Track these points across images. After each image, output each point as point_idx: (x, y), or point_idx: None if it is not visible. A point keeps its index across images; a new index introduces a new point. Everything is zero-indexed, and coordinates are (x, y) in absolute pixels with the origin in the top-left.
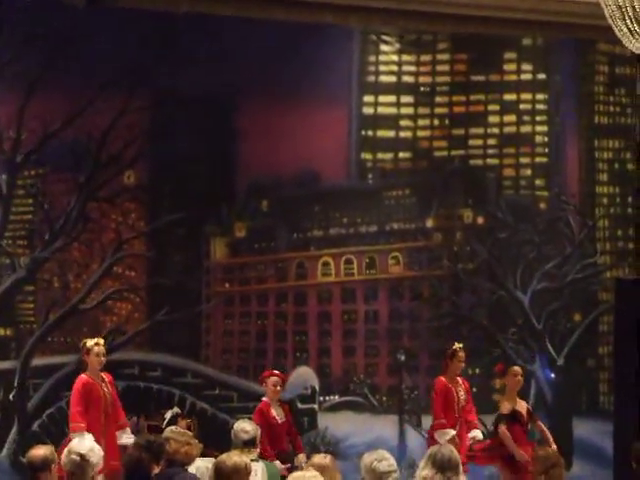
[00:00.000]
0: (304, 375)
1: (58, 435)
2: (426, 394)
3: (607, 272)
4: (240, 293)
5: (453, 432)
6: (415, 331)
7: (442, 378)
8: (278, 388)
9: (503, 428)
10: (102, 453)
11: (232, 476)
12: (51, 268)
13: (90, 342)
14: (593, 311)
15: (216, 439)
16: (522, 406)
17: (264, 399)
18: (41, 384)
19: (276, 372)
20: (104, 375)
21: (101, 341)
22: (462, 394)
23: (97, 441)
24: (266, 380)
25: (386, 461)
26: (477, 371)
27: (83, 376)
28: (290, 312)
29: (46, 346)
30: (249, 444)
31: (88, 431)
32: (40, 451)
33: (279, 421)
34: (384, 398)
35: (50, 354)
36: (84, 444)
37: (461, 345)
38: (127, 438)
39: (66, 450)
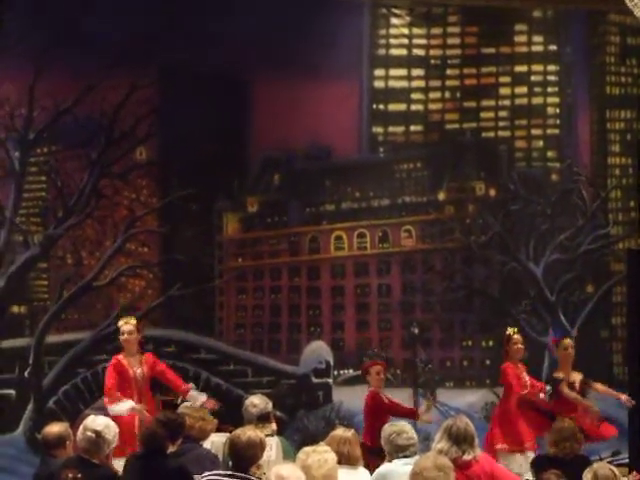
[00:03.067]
0: (318, 349)
1: (73, 412)
2: (440, 367)
3: (620, 243)
4: (253, 268)
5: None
6: (428, 304)
7: (508, 362)
8: (382, 376)
9: (563, 387)
10: (117, 430)
11: (247, 451)
12: (64, 245)
13: (120, 322)
14: (606, 282)
15: (231, 414)
16: (575, 377)
17: (371, 389)
18: (56, 361)
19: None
20: (145, 355)
21: (132, 320)
22: (526, 378)
23: (130, 420)
24: (369, 369)
25: (405, 434)
26: (490, 343)
27: (117, 356)
28: (303, 286)
29: (60, 323)
30: (263, 419)
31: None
32: (55, 428)
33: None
34: (398, 371)
35: (64, 331)
36: (99, 421)
37: (515, 329)
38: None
39: (81, 427)
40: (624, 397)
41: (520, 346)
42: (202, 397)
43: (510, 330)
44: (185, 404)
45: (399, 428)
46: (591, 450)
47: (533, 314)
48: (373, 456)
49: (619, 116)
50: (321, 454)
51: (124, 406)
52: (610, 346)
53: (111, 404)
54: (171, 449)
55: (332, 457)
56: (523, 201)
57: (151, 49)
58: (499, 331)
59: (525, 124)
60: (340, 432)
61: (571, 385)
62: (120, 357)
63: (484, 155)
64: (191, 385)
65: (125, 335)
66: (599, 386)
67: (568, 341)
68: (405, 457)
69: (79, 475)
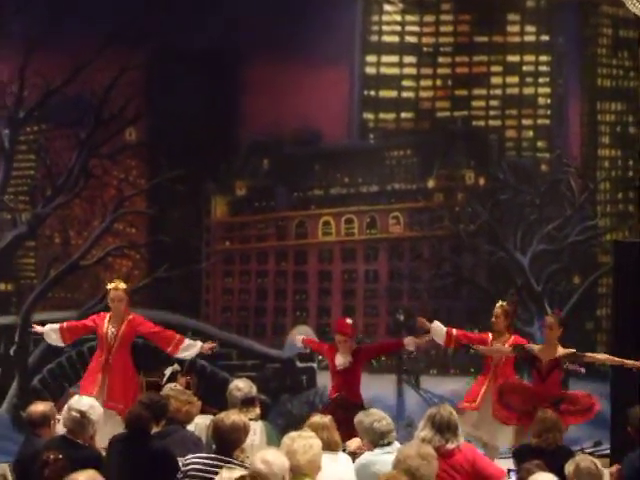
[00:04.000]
0: (303, 334)
1: (58, 390)
2: (424, 354)
3: (607, 235)
4: (240, 251)
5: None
6: (415, 291)
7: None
8: (348, 342)
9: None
10: (101, 410)
11: (231, 435)
12: (52, 224)
13: (110, 285)
14: (592, 273)
15: (215, 396)
16: (561, 352)
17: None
18: (41, 340)
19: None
20: (131, 316)
21: (121, 285)
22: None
23: (93, 374)
24: (335, 335)
25: (384, 420)
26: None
27: (103, 313)
28: (290, 271)
29: (47, 302)
30: (247, 403)
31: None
32: (39, 407)
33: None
34: (383, 357)
35: (50, 309)
36: (84, 401)
37: (503, 303)
38: (184, 351)
39: (66, 407)
40: (630, 362)
41: (494, 319)
42: (197, 344)
43: (498, 303)
44: (170, 386)
45: (377, 415)
46: (573, 439)
47: (519, 304)
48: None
49: (610, 108)
50: (306, 439)
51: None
52: (595, 337)
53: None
54: (155, 429)
55: (317, 443)
56: (512, 191)
57: (142, 30)
58: (485, 320)
59: (516, 114)
60: (317, 418)
61: (554, 360)
62: (104, 315)
63: (474, 144)
64: (182, 341)
65: (115, 302)
66: (599, 356)
67: (550, 319)
68: (388, 444)
69: (60, 456)
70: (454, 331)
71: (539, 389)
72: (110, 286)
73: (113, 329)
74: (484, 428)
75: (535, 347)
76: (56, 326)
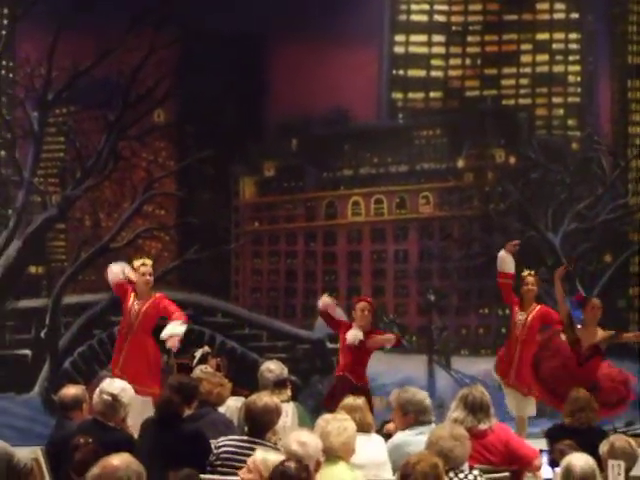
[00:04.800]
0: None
1: (89, 373)
2: (455, 334)
3: (638, 213)
4: (269, 232)
5: None
6: (445, 271)
7: (515, 299)
8: (366, 313)
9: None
10: (133, 393)
11: (263, 417)
12: (82, 206)
13: (137, 262)
14: (624, 252)
15: (246, 378)
16: (601, 335)
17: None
18: (72, 322)
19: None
20: (156, 295)
21: (148, 261)
22: (521, 319)
23: (120, 343)
24: (355, 305)
25: (427, 400)
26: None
27: (130, 287)
28: (319, 251)
29: (77, 284)
30: (279, 385)
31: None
32: (71, 390)
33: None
34: (414, 338)
35: (81, 292)
36: (116, 384)
37: (530, 271)
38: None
39: (97, 390)
40: None
41: (530, 287)
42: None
43: (525, 272)
44: (201, 368)
45: (420, 393)
46: (604, 420)
47: (551, 283)
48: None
49: None
50: (341, 422)
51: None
52: (627, 316)
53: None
54: (188, 411)
55: (352, 426)
56: (543, 169)
57: (170, 11)
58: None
59: (546, 92)
60: (350, 400)
61: (594, 346)
62: (131, 288)
63: (504, 123)
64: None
65: (146, 276)
66: (629, 335)
67: (597, 301)
68: (422, 425)
69: (90, 440)
70: None
71: (575, 372)
72: (138, 262)
73: (137, 306)
74: (510, 402)
75: (577, 327)
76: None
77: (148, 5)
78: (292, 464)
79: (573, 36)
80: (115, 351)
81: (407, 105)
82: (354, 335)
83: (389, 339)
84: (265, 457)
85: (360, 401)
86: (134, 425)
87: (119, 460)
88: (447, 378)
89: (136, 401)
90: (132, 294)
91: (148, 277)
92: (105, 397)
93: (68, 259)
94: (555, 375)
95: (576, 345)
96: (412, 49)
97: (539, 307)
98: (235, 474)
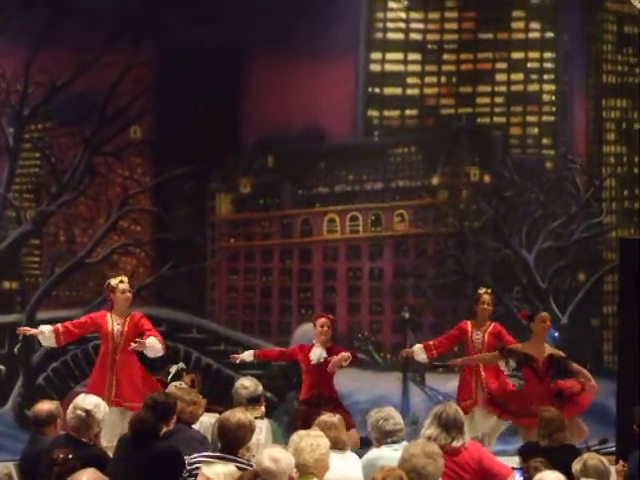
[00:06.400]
0: (309, 332)
1: (63, 389)
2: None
3: (613, 232)
4: (245, 249)
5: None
6: (420, 289)
7: (466, 320)
8: (326, 329)
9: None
10: (107, 409)
11: (237, 433)
12: (57, 222)
13: (114, 280)
14: (598, 270)
15: (221, 394)
16: (542, 351)
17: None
18: None
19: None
20: (133, 314)
21: (125, 278)
22: (478, 337)
23: (101, 374)
24: (315, 322)
25: (392, 419)
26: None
27: (104, 311)
28: (295, 268)
29: (51, 300)
30: (253, 401)
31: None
32: (46, 406)
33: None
34: (388, 355)
35: (55, 308)
36: (89, 400)
37: (487, 290)
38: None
39: (71, 406)
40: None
41: (487, 307)
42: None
43: (482, 289)
44: (175, 384)
45: (386, 414)
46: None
47: (524, 301)
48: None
49: (615, 105)
50: (314, 438)
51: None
52: (601, 334)
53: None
54: (165, 429)
55: (325, 442)
56: (517, 188)
57: (147, 27)
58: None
59: (521, 111)
60: (326, 417)
61: (532, 359)
62: (104, 312)
63: (479, 141)
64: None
65: (126, 293)
66: (575, 366)
67: (546, 314)
68: (393, 442)
69: (70, 456)
70: (431, 343)
71: (536, 389)
72: (115, 280)
73: (118, 326)
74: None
75: (519, 346)
76: (50, 327)
77: (123, 21)
78: None
79: (548, 55)
80: (97, 377)
81: (383, 123)
82: (318, 354)
83: (346, 358)
84: (214, 470)
85: (335, 419)
86: None
87: (87, 475)
88: (421, 395)
89: None
90: (108, 316)
91: (128, 294)
92: (79, 412)
93: (42, 274)
94: (512, 398)
95: (530, 361)
96: (388, 67)
97: (493, 325)
98: None
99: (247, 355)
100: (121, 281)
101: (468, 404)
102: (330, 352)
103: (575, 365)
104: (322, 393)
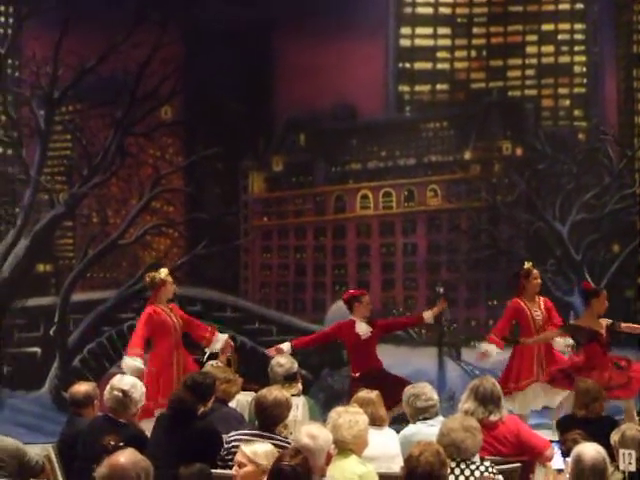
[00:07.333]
0: (343, 308)
1: (99, 370)
2: (465, 326)
3: None
4: (278, 227)
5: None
6: (453, 263)
7: (516, 298)
8: (370, 305)
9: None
10: (144, 389)
11: (273, 410)
12: (90, 204)
13: (163, 274)
14: (632, 241)
15: (256, 373)
16: (602, 325)
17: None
18: (81, 319)
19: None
20: (171, 306)
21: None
22: (538, 314)
23: (169, 370)
24: (361, 298)
25: (424, 396)
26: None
27: (152, 306)
28: (328, 246)
29: (85, 282)
30: (289, 378)
31: (141, 357)
32: (82, 387)
33: (362, 337)
34: (423, 331)
35: (90, 289)
36: (126, 380)
37: (531, 263)
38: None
39: (108, 386)
40: None
41: (539, 281)
42: (223, 338)
43: (527, 264)
44: (211, 363)
45: (417, 390)
46: (614, 408)
47: (559, 273)
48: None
49: None
50: (353, 415)
51: (133, 364)
52: (635, 306)
53: (130, 355)
54: (203, 409)
55: (364, 419)
56: (550, 160)
57: (176, 6)
58: None
59: (552, 83)
60: (363, 393)
61: (598, 334)
62: (155, 307)
63: (510, 114)
64: (216, 327)
65: (175, 285)
66: (628, 327)
67: (604, 292)
68: (425, 419)
69: (121, 443)
70: (494, 337)
71: (603, 361)
72: (164, 272)
73: (174, 319)
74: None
75: (579, 322)
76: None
77: (153, 1)
78: (289, 460)
79: (578, 26)
80: (167, 378)
81: (414, 98)
82: (365, 328)
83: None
84: (253, 449)
85: (373, 395)
86: None
87: (126, 458)
88: (457, 370)
89: None
90: (161, 310)
91: (176, 286)
92: (116, 393)
93: (76, 257)
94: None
95: (597, 336)
96: (418, 42)
97: (543, 299)
98: None
99: (285, 347)
100: (168, 274)
101: (525, 383)
102: (373, 325)
103: (624, 325)
104: (373, 366)
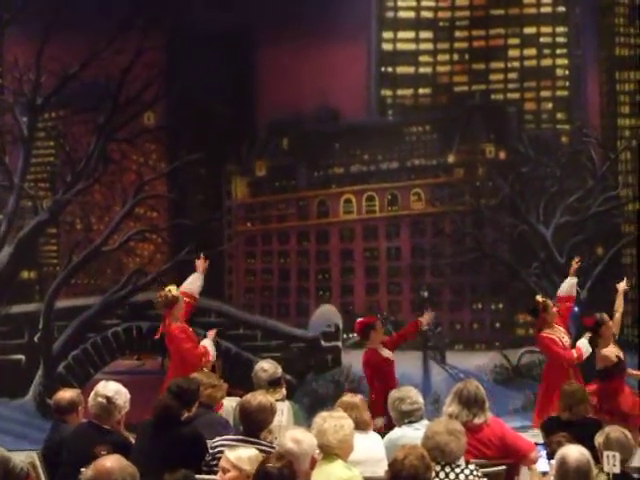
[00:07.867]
0: (327, 313)
1: (83, 377)
2: (449, 329)
3: (629, 204)
4: (262, 232)
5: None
6: (438, 267)
7: (543, 334)
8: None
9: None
10: (129, 396)
11: (258, 415)
12: (73, 210)
13: (174, 290)
14: (616, 244)
15: (240, 378)
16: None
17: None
18: (65, 326)
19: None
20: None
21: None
22: (566, 339)
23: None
24: (375, 325)
25: (409, 399)
26: (500, 306)
27: (180, 324)
28: (312, 250)
29: (70, 288)
30: (273, 384)
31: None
32: (67, 394)
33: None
34: None
35: (74, 296)
36: (110, 387)
37: (540, 295)
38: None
39: (92, 393)
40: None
41: (556, 308)
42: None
43: (540, 298)
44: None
45: (402, 394)
46: None
47: (543, 276)
48: None
49: (628, 77)
50: (338, 419)
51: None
52: None
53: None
54: (187, 414)
55: (349, 423)
56: (533, 163)
57: (158, 12)
58: (509, 294)
59: (534, 86)
60: (347, 398)
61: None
62: (182, 325)
63: (493, 117)
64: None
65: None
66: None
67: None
68: (410, 422)
69: (112, 452)
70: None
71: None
72: (174, 290)
73: None
74: None
75: (608, 353)
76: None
77: (135, 6)
78: (274, 463)
79: (560, 29)
80: None
81: (396, 102)
82: (388, 352)
83: None
84: (237, 454)
85: (357, 399)
86: None
87: (112, 462)
88: (442, 373)
89: None
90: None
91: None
92: (100, 400)
93: (60, 263)
94: None
95: (621, 365)
96: (400, 46)
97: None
98: None
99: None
100: (177, 289)
101: None
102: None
103: None
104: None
